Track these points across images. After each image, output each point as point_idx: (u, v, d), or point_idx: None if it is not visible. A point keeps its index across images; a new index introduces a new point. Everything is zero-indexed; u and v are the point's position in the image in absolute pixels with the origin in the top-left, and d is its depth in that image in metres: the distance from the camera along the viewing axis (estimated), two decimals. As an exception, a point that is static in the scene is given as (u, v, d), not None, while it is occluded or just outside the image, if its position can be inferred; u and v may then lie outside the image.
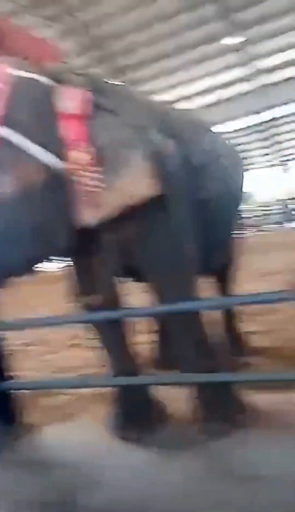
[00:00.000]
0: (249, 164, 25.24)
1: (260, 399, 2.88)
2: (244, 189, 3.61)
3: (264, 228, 20.77)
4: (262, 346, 3.84)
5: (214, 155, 3.02)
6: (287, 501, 1.99)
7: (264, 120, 19.57)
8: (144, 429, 2.63)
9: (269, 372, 3.16)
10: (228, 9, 14.79)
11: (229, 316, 3.73)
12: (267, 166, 20.64)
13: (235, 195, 3.42)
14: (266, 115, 19.44)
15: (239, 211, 3.74)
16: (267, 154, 20.29)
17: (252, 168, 27.09)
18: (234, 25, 15.28)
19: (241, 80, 18.53)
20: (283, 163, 21.87)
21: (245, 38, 16.07)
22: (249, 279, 6.96)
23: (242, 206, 3.81)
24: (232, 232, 3.51)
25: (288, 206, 20.36)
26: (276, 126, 20.55)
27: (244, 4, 14.55)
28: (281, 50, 17.19)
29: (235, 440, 2.48)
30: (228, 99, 19.28)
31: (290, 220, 19.40)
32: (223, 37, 15.61)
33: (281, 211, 19.96)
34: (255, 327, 4.36)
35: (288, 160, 22.15)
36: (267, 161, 20.42)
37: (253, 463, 2.29)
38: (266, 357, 3.60)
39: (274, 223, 20.69)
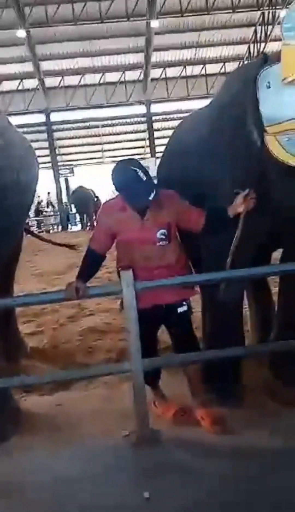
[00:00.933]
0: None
1: (29, 402, 2.86)
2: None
3: (46, 228, 20.93)
4: (39, 347, 3.81)
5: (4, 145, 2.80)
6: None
7: (43, 121, 19.73)
8: None
9: (44, 373, 3.16)
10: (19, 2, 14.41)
11: (6, 317, 3.54)
12: (49, 168, 20.78)
13: (26, 188, 3.22)
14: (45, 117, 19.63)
15: (28, 206, 3.51)
16: (47, 156, 20.48)
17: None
18: (23, 19, 14.96)
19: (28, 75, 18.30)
20: (67, 166, 22.46)
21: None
22: (28, 279, 6.89)
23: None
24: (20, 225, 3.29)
25: (70, 209, 21.03)
26: (60, 130, 21.06)
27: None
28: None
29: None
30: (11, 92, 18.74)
31: (71, 223, 20.06)
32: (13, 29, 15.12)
33: (63, 213, 20.42)
34: (32, 328, 4.30)
35: (71, 165, 22.86)
36: (49, 162, 20.59)
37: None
38: (42, 358, 3.58)
39: (55, 224, 21.07)
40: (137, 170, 2.21)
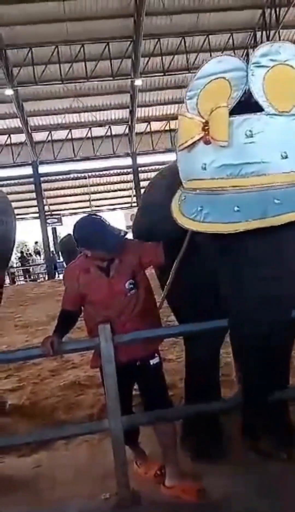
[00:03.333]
0: (20, 214, 25.45)
1: (6, 464, 2.73)
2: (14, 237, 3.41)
3: (34, 277, 20.83)
4: (18, 404, 3.68)
5: None
6: None
7: (31, 173, 20.25)
8: None
9: (21, 433, 3.04)
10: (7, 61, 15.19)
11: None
12: (37, 218, 21.10)
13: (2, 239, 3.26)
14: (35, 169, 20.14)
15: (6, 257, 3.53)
16: (35, 206, 20.86)
17: (23, 218, 27.37)
18: (11, 79, 15.71)
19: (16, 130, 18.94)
20: (55, 216, 22.82)
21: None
22: (11, 330, 6.78)
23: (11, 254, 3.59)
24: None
25: (58, 257, 21.08)
26: (48, 182, 21.57)
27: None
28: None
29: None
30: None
31: (58, 271, 20.04)
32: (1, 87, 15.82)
33: (50, 262, 20.46)
34: (13, 383, 4.18)
35: (59, 214, 23.22)
36: (37, 212, 20.93)
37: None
38: (22, 415, 3.46)
39: (43, 273, 21.03)
40: (104, 221, 2.27)
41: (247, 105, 1.52)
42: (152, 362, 2.36)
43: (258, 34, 16.22)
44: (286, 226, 1.51)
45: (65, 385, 4.01)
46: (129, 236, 2.51)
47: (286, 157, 1.50)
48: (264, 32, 15.94)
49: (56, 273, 20.02)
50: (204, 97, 1.60)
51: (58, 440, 2.85)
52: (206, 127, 1.56)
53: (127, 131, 19.70)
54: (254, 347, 1.72)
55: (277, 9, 14.85)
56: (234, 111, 1.53)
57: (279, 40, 15.96)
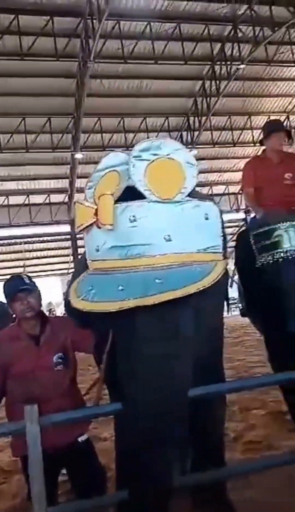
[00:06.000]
0: None
1: None
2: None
3: None
4: None
5: None
6: None
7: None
8: None
9: None
10: None
11: None
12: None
13: None
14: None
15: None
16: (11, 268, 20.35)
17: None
18: None
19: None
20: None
21: None
22: None
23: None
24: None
25: None
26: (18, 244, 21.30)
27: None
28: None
29: None
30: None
31: None
32: None
33: None
34: None
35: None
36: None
37: None
38: None
39: None
40: (29, 280, 2.30)
41: (134, 194, 1.66)
42: (80, 439, 2.25)
43: (191, 119, 17.83)
44: (172, 304, 1.57)
45: (-14, 471, 3.64)
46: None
47: (170, 239, 1.63)
48: (196, 118, 17.57)
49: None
50: (100, 187, 1.75)
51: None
52: (97, 213, 1.70)
53: (67, 199, 20.07)
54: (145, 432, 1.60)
55: (208, 98, 16.54)
56: (122, 199, 1.66)
57: (210, 125, 17.69)
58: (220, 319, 2.14)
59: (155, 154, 1.70)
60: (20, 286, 2.27)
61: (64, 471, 2.39)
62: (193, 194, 1.73)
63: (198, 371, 1.75)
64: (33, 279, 2.41)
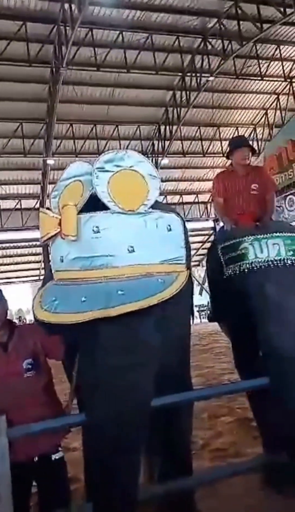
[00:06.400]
0: None
1: None
2: None
3: None
4: None
5: None
6: None
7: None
8: None
9: None
10: None
11: None
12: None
13: None
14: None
15: None
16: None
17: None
18: None
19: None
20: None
21: None
22: None
23: None
24: None
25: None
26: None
27: None
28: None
29: None
30: None
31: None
32: None
33: None
34: None
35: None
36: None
37: None
38: None
39: None
40: None
41: (97, 205, 1.67)
42: (53, 457, 2.22)
43: (162, 128, 18.02)
44: (135, 315, 1.58)
45: None
46: None
47: (133, 251, 1.65)
48: (167, 127, 17.77)
49: None
50: (64, 197, 1.74)
51: None
52: (61, 223, 1.69)
53: (38, 205, 19.84)
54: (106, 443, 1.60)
55: (178, 109, 16.78)
56: (85, 210, 1.67)
57: (180, 134, 17.92)
58: (185, 327, 2.18)
59: (118, 166, 1.71)
60: None
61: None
62: (156, 206, 1.75)
63: (165, 380, 1.77)
64: (3, 286, 2.39)
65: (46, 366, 2.34)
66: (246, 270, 2.37)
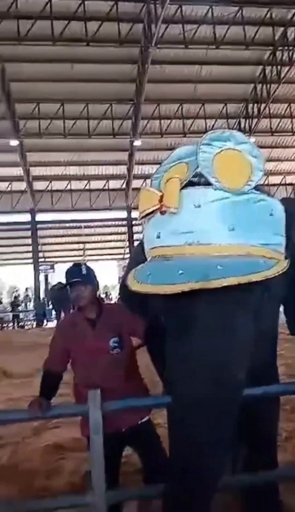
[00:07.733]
0: (11, 259, 25.55)
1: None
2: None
3: (22, 324, 20.48)
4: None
5: None
6: None
7: (28, 220, 20.54)
8: None
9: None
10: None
11: None
12: (30, 263, 21.14)
13: None
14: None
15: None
16: (29, 252, 20.98)
17: (16, 263, 27.35)
18: (17, 130, 16.37)
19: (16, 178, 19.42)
20: (48, 263, 22.86)
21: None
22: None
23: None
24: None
25: (47, 304, 20.93)
26: (44, 229, 21.89)
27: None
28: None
29: None
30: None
31: (47, 319, 19.82)
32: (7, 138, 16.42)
33: (39, 309, 20.28)
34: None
35: (52, 261, 23.29)
36: (30, 258, 21.01)
37: None
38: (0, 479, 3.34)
39: (29, 320, 20.76)
40: (86, 270, 2.43)
41: (200, 183, 1.64)
42: (140, 421, 2.38)
43: (250, 106, 17.28)
44: (233, 300, 1.57)
45: (47, 446, 3.91)
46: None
47: (233, 229, 1.59)
48: (255, 105, 17.00)
49: (45, 321, 19.81)
50: (166, 177, 1.72)
51: None
52: (162, 199, 1.67)
53: (124, 186, 20.32)
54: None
55: (268, 85, 15.94)
56: (188, 187, 1.64)
57: (268, 112, 17.06)
58: (276, 320, 2.13)
59: (223, 144, 1.67)
60: (75, 278, 2.40)
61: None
62: (258, 188, 1.68)
63: (253, 370, 1.71)
64: (91, 263, 2.51)
65: (130, 344, 2.45)
66: None
